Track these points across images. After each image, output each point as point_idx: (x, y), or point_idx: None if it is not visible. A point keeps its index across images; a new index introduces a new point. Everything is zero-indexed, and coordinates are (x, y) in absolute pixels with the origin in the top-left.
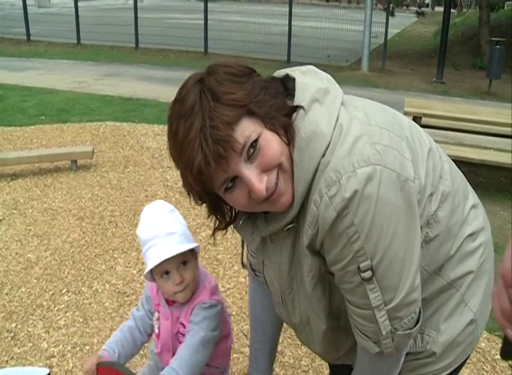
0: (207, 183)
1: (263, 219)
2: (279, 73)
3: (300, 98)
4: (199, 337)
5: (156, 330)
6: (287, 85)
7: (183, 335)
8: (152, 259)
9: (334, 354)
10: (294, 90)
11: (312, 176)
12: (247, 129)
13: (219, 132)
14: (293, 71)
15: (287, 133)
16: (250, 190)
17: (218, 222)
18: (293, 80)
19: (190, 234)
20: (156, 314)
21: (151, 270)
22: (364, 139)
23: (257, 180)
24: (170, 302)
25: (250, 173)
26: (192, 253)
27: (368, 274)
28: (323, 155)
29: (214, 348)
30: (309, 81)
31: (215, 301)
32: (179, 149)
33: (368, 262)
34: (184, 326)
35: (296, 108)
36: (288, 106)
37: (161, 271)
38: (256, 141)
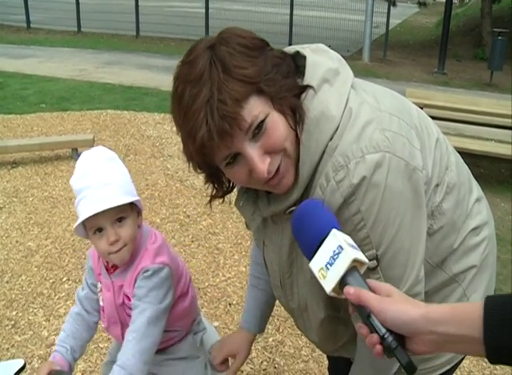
0: (208, 156)
1: (265, 200)
2: (289, 48)
3: (311, 77)
4: (145, 317)
5: (101, 303)
6: (297, 62)
7: (130, 308)
8: (82, 213)
9: (331, 344)
10: (304, 68)
11: (318, 159)
12: (256, 108)
13: (227, 107)
14: (303, 48)
15: (295, 115)
16: (252, 169)
17: (215, 190)
18: (304, 57)
19: (131, 187)
20: (99, 285)
21: (85, 226)
22: (374, 125)
23: (260, 160)
24: (110, 270)
25: (253, 152)
26: (132, 208)
27: (372, 263)
28: (331, 138)
29: (168, 314)
30: (320, 60)
31: (159, 265)
32: (183, 116)
33: (373, 251)
34: (129, 299)
35: (306, 87)
36: (298, 86)
37: (93, 227)
38: (263, 121)
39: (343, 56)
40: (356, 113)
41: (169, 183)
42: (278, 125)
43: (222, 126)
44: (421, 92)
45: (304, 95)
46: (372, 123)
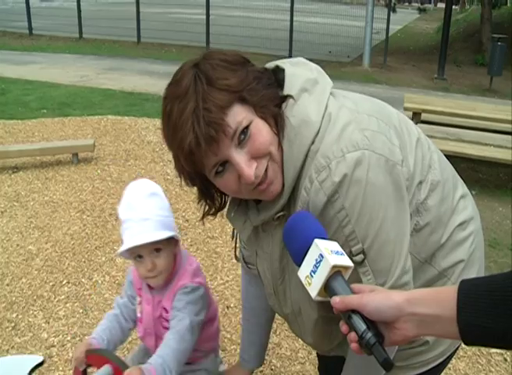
0: (197, 164)
1: (254, 209)
2: (270, 64)
3: (289, 87)
4: (184, 323)
5: (138, 314)
6: (278, 76)
7: (166, 320)
8: (125, 242)
9: (327, 345)
10: (284, 80)
11: (301, 164)
12: (239, 115)
13: (212, 114)
14: (283, 63)
15: (277, 124)
16: (240, 175)
17: (208, 207)
18: (283, 70)
19: (169, 221)
20: (138, 298)
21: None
22: (353, 125)
23: (247, 165)
24: (151, 287)
25: (240, 157)
26: (168, 240)
27: (359, 257)
28: (313, 142)
29: (200, 332)
30: (298, 72)
31: (197, 284)
32: (172, 130)
33: (359, 245)
34: (167, 311)
35: (286, 97)
36: (279, 96)
37: (134, 253)
38: (247, 127)
39: (343, 62)
40: (335, 117)
41: (169, 188)
42: (262, 131)
43: (208, 132)
44: (420, 97)
45: (284, 105)
46: (351, 124)
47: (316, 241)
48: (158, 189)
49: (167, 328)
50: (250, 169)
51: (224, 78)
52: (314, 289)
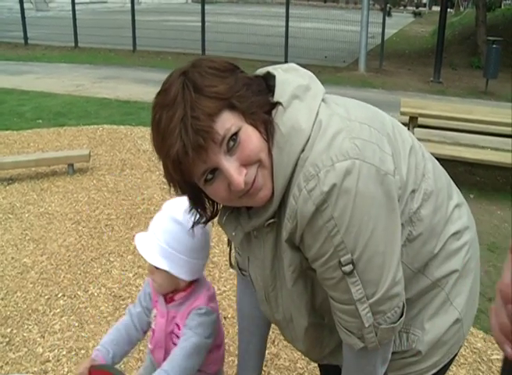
0: (186, 172)
1: (245, 215)
2: (261, 70)
3: (280, 94)
4: (193, 342)
5: (153, 326)
6: (269, 82)
7: (177, 336)
8: (138, 241)
9: (318, 352)
10: (274, 86)
11: (291, 172)
12: (228, 121)
13: (200, 122)
14: (274, 69)
15: (267, 130)
16: (229, 182)
17: (199, 216)
18: (274, 77)
19: (176, 254)
20: (154, 311)
21: None
22: (343, 134)
23: (236, 172)
24: (168, 300)
25: (229, 165)
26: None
27: (348, 268)
28: (302, 150)
29: (206, 355)
30: (290, 78)
31: (212, 309)
32: (161, 139)
33: (348, 255)
34: (179, 328)
35: (276, 104)
36: (269, 103)
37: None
38: (236, 134)
39: (339, 67)
40: (326, 124)
41: (165, 198)
42: (251, 137)
43: (197, 141)
44: (416, 101)
45: (274, 111)
46: (342, 132)
47: None
48: (185, 221)
49: (176, 345)
50: (240, 176)
51: (212, 86)
52: None
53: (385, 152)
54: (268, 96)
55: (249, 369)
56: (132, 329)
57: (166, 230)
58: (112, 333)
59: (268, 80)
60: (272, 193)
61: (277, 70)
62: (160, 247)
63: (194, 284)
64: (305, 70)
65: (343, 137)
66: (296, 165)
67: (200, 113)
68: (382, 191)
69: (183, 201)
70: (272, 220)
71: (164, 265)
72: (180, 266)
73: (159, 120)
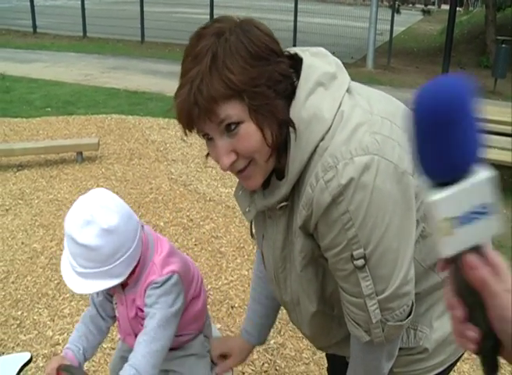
0: (188, 122)
1: (261, 194)
2: (290, 50)
3: (305, 78)
4: (155, 321)
5: (117, 315)
6: (296, 65)
7: (143, 318)
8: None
9: (324, 341)
10: (300, 70)
11: (308, 158)
12: (233, 109)
13: (202, 99)
14: (302, 51)
15: (273, 136)
16: (216, 158)
17: None
18: (301, 60)
19: (100, 270)
20: (115, 297)
21: None
22: (365, 127)
23: (225, 154)
24: (123, 285)
25: (222, 143)
26: None
27: (360, 262)
28: (322, 139)
29: (180, 317)
30: (317, 63)
31: (167, 275)
32: (180, 79)
33: (361, 250)
34: (142, 310)
35: (291, 122)
36: (287, 112)
37: None
38: (237, 124)
39: (346, 63)
40: (347, 116)
41: (173, 188)
42: (250, 137)
43: (194, 110)
44: None
45: (286, 131)
46: (363, 125)
47: (487, 174)
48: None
49: None
50: (227, 159)
51: (230, 71)
52: (450, 246)
53: (405, 150)
54: (288, 102)
55: (254, 330)
56: (98, 319)
57: (75, 254)
58: (79, 329)
59: (295, 62)
60: (285, 176)
61: (305, 53)
62: (79, 273)
63: (141, 258)
64: (334, 58)
65: (364, 130)
66: (314, 152)
67: (205, 90)
68: (398, 189)
69: (78, 215)
70: (284, 203)
71: (102, 285)
72: (116, 274)
73: (183, 62)
